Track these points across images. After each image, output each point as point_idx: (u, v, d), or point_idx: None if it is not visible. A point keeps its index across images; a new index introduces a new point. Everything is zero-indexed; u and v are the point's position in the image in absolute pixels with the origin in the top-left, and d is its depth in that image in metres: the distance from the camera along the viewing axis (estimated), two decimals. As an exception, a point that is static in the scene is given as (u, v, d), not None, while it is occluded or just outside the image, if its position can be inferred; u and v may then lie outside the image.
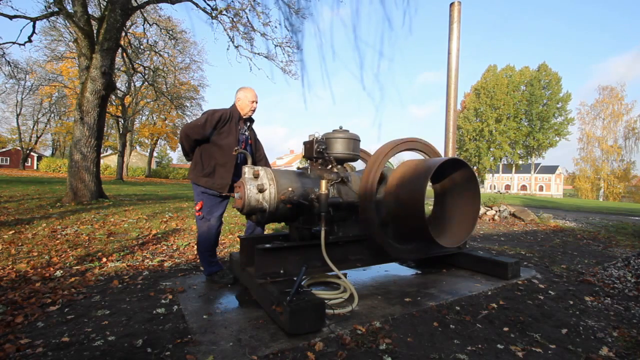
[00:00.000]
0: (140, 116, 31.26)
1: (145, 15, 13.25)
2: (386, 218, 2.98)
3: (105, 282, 2.96)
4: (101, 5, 10.88)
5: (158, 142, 36.46)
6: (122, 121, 22.66)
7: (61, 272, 3.19)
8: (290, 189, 2.59)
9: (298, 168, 3.01)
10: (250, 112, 3.01)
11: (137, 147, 40.31)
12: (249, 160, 2.70)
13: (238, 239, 4.58)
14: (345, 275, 2.79)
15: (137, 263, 3.57)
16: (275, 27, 11.68)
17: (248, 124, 3.13)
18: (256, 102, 3.02)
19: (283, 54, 12.03)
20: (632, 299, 2.81)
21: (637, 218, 10.79)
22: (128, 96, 23.54)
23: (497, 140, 45.24)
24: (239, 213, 3.85)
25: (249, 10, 10.67)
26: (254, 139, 3.20)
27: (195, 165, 2.93)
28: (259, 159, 3.23)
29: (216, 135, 2.86)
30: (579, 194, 45.13)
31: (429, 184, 2.79)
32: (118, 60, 16.90)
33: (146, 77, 18.81)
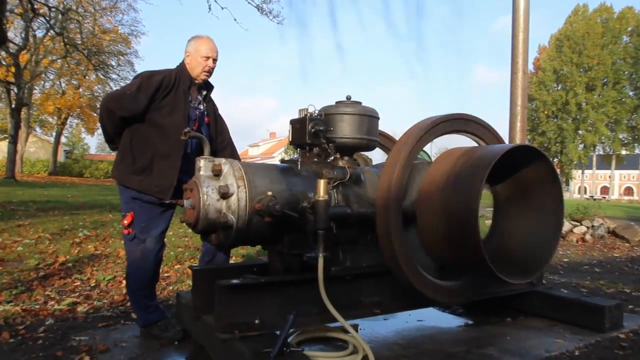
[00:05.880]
0: (43, 82, 31.40)
1: None
2: (419, 238, 2.96)
3: (-15, 337, 2.94)
4: None
5: (68, 122, 36.60)
6: (16, 90, 22.70)
7: None
8: (269, 193, 2.57)
9: (282, 161, 3.02)
10: (203, 73, 3.03)
11: (37, 129, 40.49)
12: (206, 149, 2.68)
13: (189, 271, 4.56)
14: (356, 327, 2.78)
15: (38, 306, 3.61)
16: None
17: (204, 92, 3.15)
18: (213, 59, 3.04)
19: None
20: None
21: None
22: (24, 52, 23.57)
23: (589, 118, 45.48)
24: (190, 230, 3.83)
25: None
26: (214, 114, 3.23)
27: (123, 157, 2.95)
28: (222, 146, 3.27)
29: (155, 111, 2.88)
30: None
31: (485, 185, 2.77)
32: (9, -5, 16.90)
33: (52, 22, 18.81)
